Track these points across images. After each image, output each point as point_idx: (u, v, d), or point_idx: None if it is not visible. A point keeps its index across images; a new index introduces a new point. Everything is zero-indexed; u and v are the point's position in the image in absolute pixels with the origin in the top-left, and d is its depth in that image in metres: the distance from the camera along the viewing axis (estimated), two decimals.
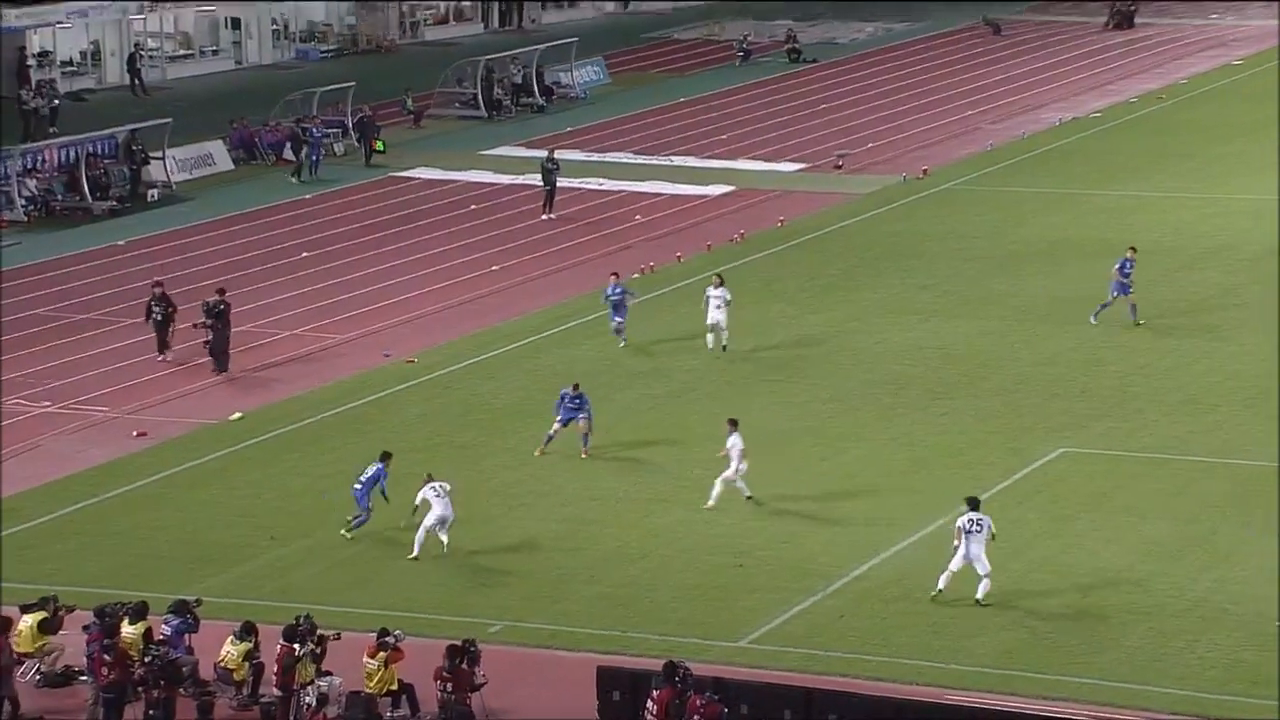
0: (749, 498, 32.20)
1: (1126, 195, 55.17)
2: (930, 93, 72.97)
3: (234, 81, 77.28)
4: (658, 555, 30.70)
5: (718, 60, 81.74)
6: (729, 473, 32.13)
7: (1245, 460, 34.16)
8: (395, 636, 25.50)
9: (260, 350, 42.15)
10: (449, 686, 25.02)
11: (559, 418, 34.86)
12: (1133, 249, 42.15)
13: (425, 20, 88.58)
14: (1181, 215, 52.54)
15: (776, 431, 36.01)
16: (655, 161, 61.93)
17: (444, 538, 30.55)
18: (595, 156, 62.56)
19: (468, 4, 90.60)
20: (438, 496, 30.61)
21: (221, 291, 41.02)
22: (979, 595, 28.36)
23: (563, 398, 35.03)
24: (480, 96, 69.85)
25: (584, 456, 34.62)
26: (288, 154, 61.35)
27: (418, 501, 30.82)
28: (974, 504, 28.91)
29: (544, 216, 54.42)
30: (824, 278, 47.26)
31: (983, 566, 28.36)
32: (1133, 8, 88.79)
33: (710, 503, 32.07)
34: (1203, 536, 30.69)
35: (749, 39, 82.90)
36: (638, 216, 54.49)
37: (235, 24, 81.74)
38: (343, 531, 31.34)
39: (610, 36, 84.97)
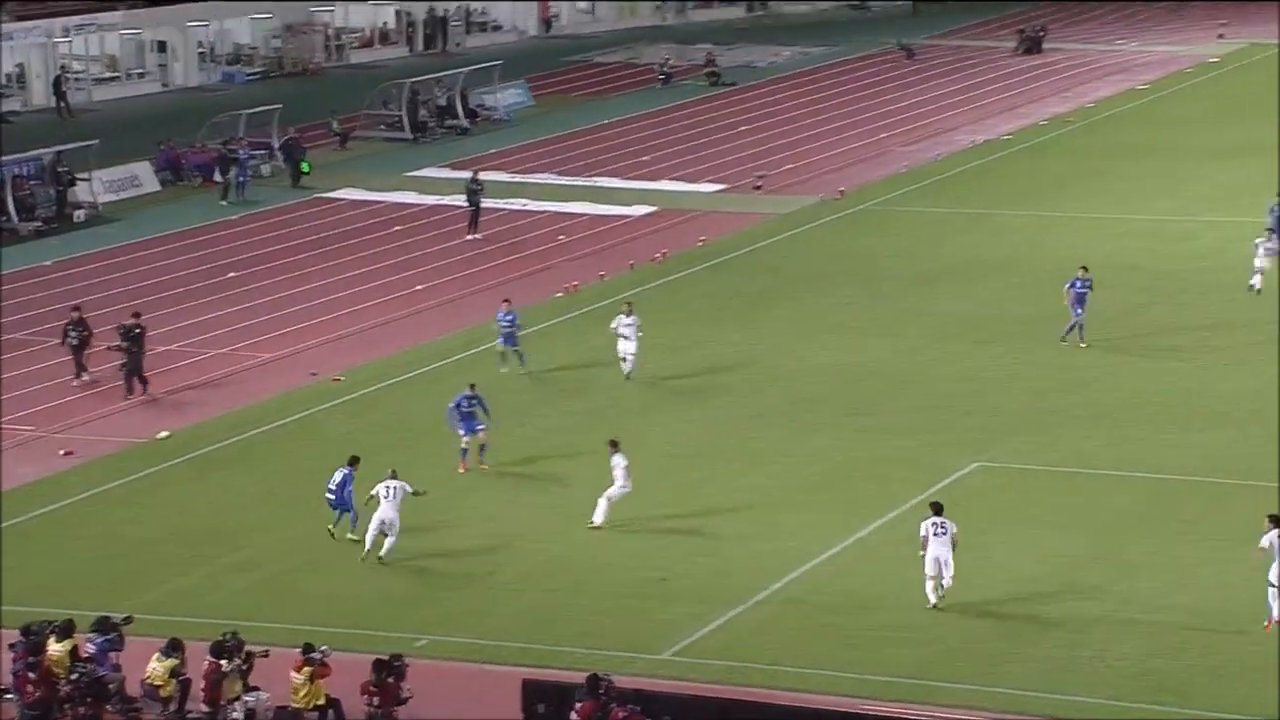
0: (595, 526, 31.92)
1: (1037, 215, 55.66)
2: (846, 115, 73.40)
3: (160, 103, 76.82)
4: (581, 570, 30.72)
5: (639, 83, 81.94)
6: (612, 490, 32.11)
7: (1151, 474, 34.51)
8: (321, 652, 25.41)
9: (188, 369, 41.91)
10: (375, 701, 24.96)
11: (461, 430, 34.81)
12: (1084, 268, 42.35)
13: (350, 43, 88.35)
14: (1088, 235, 53.05)
15: (697, 448, 36.12)
16: (578, 182, 61.99)
17: (386, 543, 30.65)
18: (519, 177, 62.57)
19: (393, 27, 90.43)
20: (387, 498, 30.77)
21: (136, 315, 40.70)
22: (933, 601, 28.58)
23: (458, 403, 34.99)
24: (405, 119, 69.74)
25: (483, 469, 34.50)
26: (216, 176, 61.04)
27: (373, 492, 30.96)
28: (937, 509, 29.15)
29: (469, 237, 54.38)
30: (743, 297, 47.44)
31: (947, 570, 28.61)
32: (1041, 33, 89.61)
33: (596, 523, 31.98)
34: (1111, 548, 30.97)
35: (669, 62, 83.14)
36: (561, 237, 54.53)
37: (161, 47, 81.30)
38: (350, 535, 31.39)
39: (533, 60, 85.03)
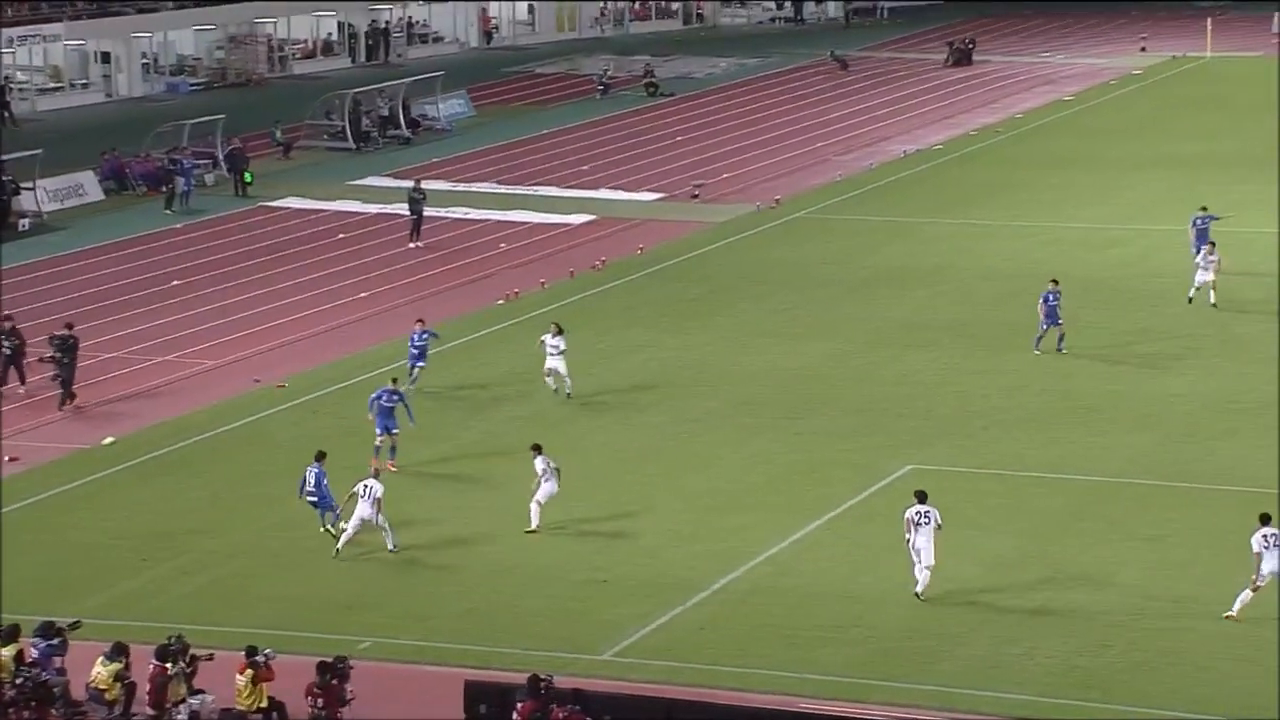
0: (532, 530, 31.94)
1: (967, 224, 55.95)
2: (782, 125, 73.61)
3: (104, 114, 76.34)
4: (523, 572, 30.67)
5: (578, 94, 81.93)
6: (540, 494, 32.10)
7: (1079, 475, 34.74)
8: (266, 655, 25.28)
9: (132, 376, 41.65)
10: (319, 702, 24.85)
11: (378, 427, 34.79)
12: (1054, 281, 42.39)
13: (293, 54, 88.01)
14: (1018, 243, 53.37)
15: (638, 452, 36.14)
16: (519, 191, 61.94)
17: (387, 539, 31.01)
18: (460, 186, 62.46)
19: (335, 39, 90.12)
20: (364, 498, 30.89)
21: (70, 326, 40.36)
22: (919, 589, 28.80)
23: (380, 395, 34.99)
24: (348, 129, 69.52)
25: (390, 469, 34.37)
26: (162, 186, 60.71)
27: (353, 490, 31.09)
28: (922, 496, 29.38)
29: (411, 245, 54.24)
30: (682, 303, 47.50)
31: (927, 558, 28.83)
32: (970, 45, 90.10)
33: (532, 526, 31.99)
34: (1040, 548, 31.15)
35: (608, 73, 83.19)
36: (502, 245, 54.46)
37: (105, 58, 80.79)
38: (327, 528, 31.43)
39: (474, 71, 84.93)
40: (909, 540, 29.09)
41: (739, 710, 24.92)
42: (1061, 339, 41.80)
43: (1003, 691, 26.21)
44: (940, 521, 29.04)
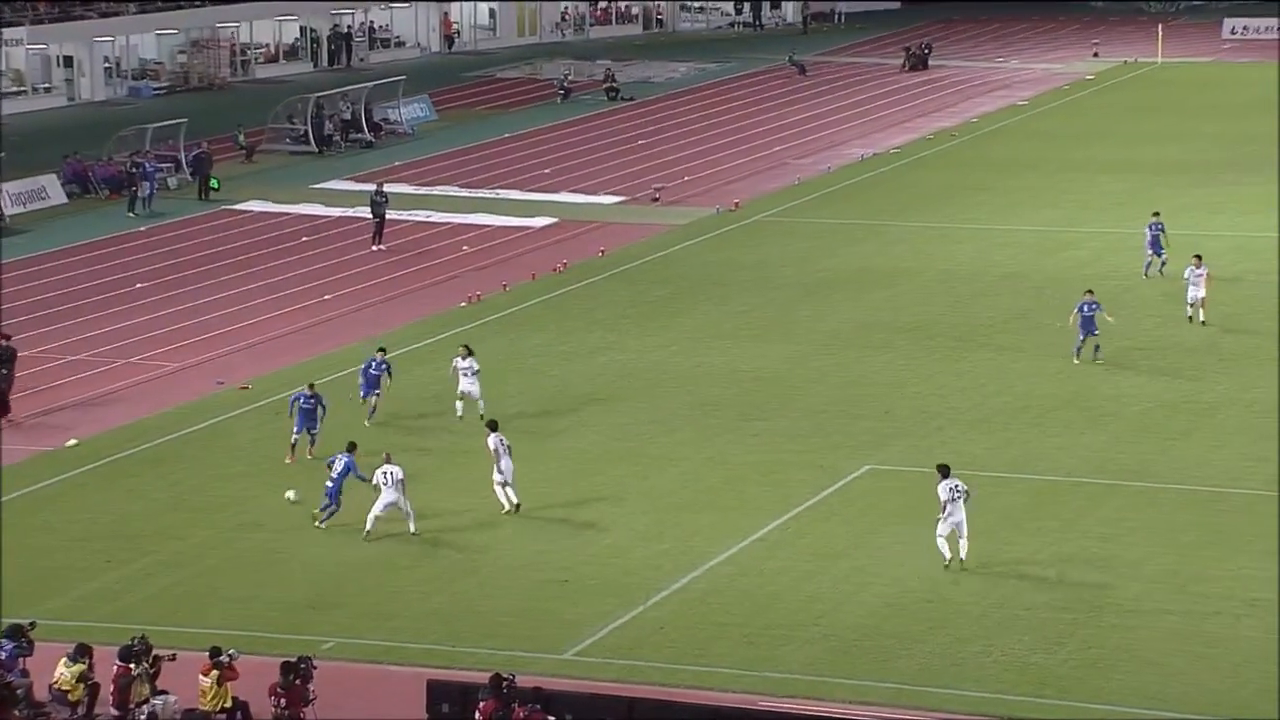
0: (507, 510, 32.33)
1: (925, 226, 56.09)
2: (741, 129, 73.67)
3: (67, 117, 75.95)
4: (485, 573, 30.61)
5: (539, 98, 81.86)
6: (497, 475, 32.31)
7: (1035, 475, 34.83)
8: (230, 655, 25.16)
9: (96, 378, 41.42)
10: (283, 702, 24.74)
11: (295, 426, 35.10)
12: (1089, 291, 41.73)
13: (256, 58, 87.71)
14: (975, 245, 53.53)
15: (599, 452, 36.09)
16: (481, 194, 61.84)
17: (410, 525, 31.45)
18: (423, 190, 62.33)
19: (298, 43, 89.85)
20: (387, 485, 31.39)
21: (6, 336, 40.05)
22: (963, 555, 29.63)
23: (298, 398, 35.25)
24: (310, 132, 69.32)
25: (309, 457, 34.76)
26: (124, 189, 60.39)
27: (374, 482, 31.60)
28: (946, 471, 30.11)
29: (374, 248, 54.09)
30: (643, 305, 47.48)
31: (964, 528, 29.62)
32: (927, 51, 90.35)
33: (505, 508, 32.41)
34: (997, 547, 31.22)
35: (569, 78, 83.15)
36: (464, 247, 54.36)
37: (67, 62, 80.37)
38: (316, 523, 31.75)
39: (436, 75, 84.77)
40: (943, 516, 29.69)
41: (700, 708, 24.89)
42: (1097, 349, 40.99)
43: (961, 689, 26.25)
44: (968, 490, 29.93)
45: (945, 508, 29.85)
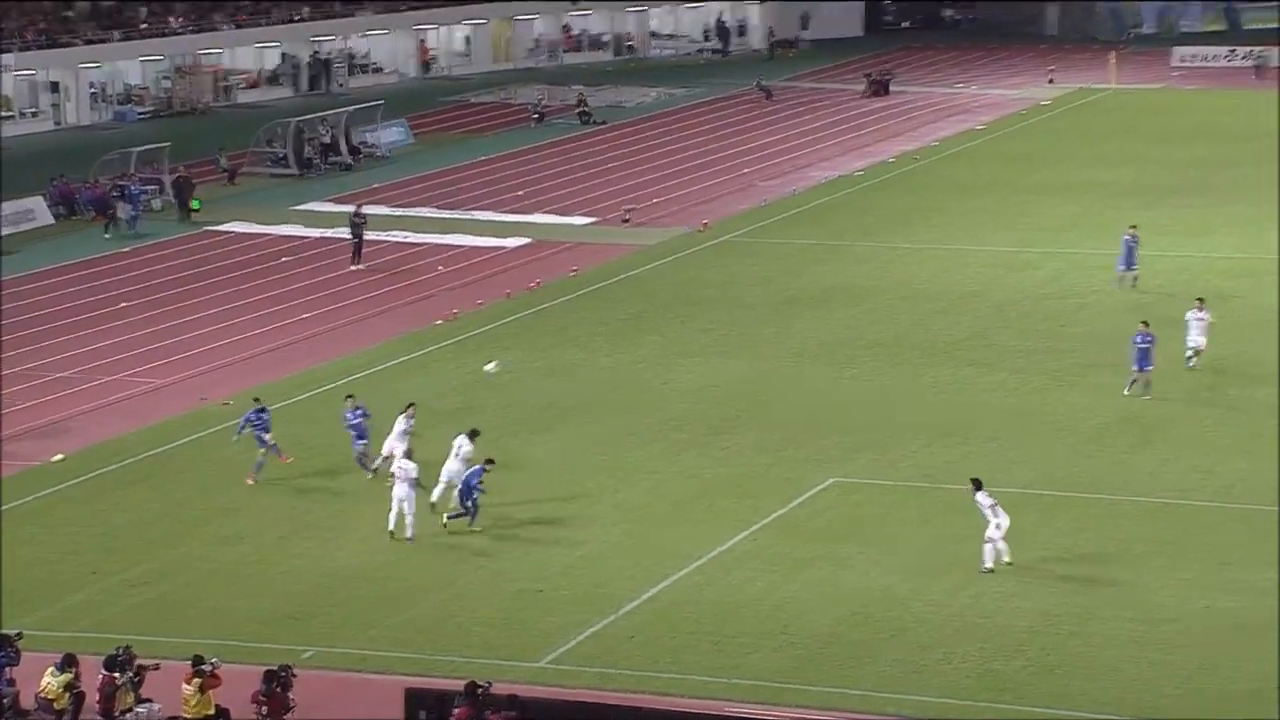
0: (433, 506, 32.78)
1: (887, 247, 56.19)
2: (709, 152, 73.76)
3: (53, 141, 75.74)
4: (461, 584, 30.54)
5: (513, 122, 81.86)
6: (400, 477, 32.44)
7: (994, 487, 34.77)
8: (212, 664, 25.05)
9: (81, 395, 41.26)
10: (264, 710, 24.64)
11: (259, 444, 34.99)
12: (1144, 323, 39.69)
13: (238, 84, 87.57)
14: (936, 265, 53.63)
15: (572, 466, 36.04)
16: (456, 215, 61.78)
17: (408, 524, 31.83)
18: (400, 211, 62.24)
19: (280, 69, 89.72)
20: (401, 479, 31.99)
21: None
22: (1007, 559, 30.32)
23: (250, 416, 35.27)
24: (291, 155, 69.19)
25: (250, 482, 34.61)
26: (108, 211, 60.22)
27: (391, 470, 32.57)
28: (979, 484, 30.97)
29: (353, 267, 54.01)
30: (614, 323, 47.47)
31: (1004, 533, 30.40)
32: (888, 77, 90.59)
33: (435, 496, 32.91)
34: (957, 557, 31.26)
35: (542, 102, 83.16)
36: (440, 267, 54.30)
37: (54, 87, 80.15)
38: (443, 522, 32.37)
39: (413, 100, 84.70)
40: (988, 523, 30.27)
41: (669, 714, 24.86)
42: (1148, 386, 39.16)
43: (922, 695, 26.26)
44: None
45: (992, 512, 30.45)
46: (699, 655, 27.67)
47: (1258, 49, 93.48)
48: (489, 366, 32.61)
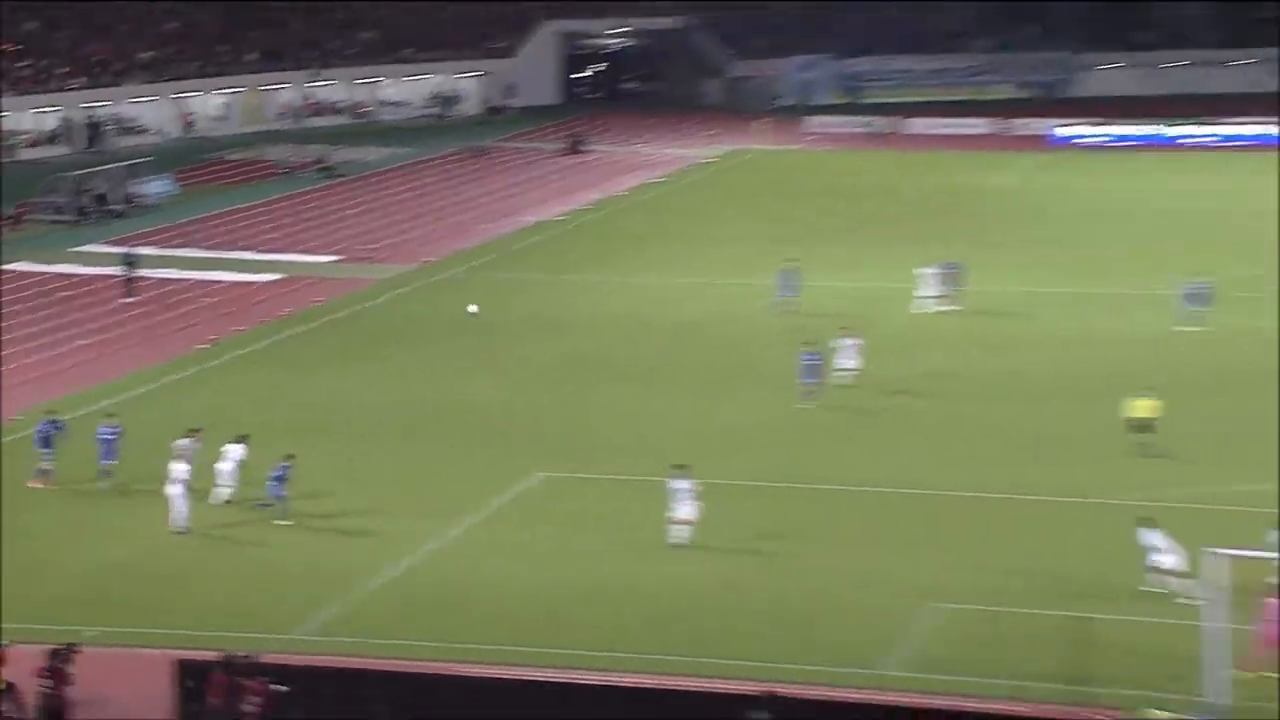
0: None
1: (588, 279, 56.56)
2: (433, 200, 73.44)
3: None
4: (226, 569, 29.86)
5: (265, 175, 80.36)
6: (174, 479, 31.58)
7: (687, 480, 35.24)
8: (1, 645, 24.00)
9: None
10: (48, 683, 23.72)
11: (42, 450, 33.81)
12: (808, 343, 39.20)
13: (20, 143, 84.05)
14: (628, 296, 54.11)
15: (321, 470, 35.42)
16: (217, 255, 60.36)
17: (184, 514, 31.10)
18: (168, 251, 60.54)
19: (58, 130, 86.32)
20: (175, 480, 30.94)
21: None
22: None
23: (41, 427, 34.00)
24: (70, 205, 66.69)
25: (38, 486, 33.50)
26: None
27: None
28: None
29: (124, 300, 52.30)
30: (356, 345, 46.97)
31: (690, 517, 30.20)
32: (582, 138, 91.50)
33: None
34: (645, 539, 31.53)
35: (290, 159, 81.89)
36: (204, 299, 52.95)
37: None
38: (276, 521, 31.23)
39: (177, 156, 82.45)
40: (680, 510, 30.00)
41: (401, 675, 24.71)
42: (814, 394, 38.13)
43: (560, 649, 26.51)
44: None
45: (681, 497, 30.16)
46: (431, 623, 27.56)
47: (875, 118, 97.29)
48: (471, 308, 32.09)
